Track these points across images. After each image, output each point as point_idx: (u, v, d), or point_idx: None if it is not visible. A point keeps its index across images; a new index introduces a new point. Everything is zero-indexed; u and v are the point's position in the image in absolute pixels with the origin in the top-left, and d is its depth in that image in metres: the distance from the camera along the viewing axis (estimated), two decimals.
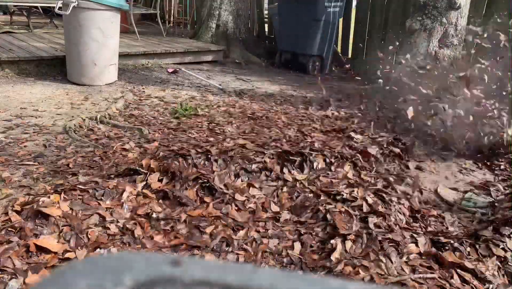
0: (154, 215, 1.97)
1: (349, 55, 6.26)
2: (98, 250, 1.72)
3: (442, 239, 1.84)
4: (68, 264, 0.26)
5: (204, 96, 4.20)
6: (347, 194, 2.14)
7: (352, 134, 3.07)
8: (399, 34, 5.37)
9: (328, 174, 2.39)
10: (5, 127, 2.97)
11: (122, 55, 4.67)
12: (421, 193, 2.41)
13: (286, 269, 1.70)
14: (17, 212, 1.83)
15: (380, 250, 1.73)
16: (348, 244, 1.77)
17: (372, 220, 1.91)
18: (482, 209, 2.26)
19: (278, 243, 1.85)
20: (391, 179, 2.48)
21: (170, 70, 5.10)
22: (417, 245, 1.78)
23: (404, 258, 1.71)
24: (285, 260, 1.76)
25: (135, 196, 2.07)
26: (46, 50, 4.62)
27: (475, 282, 1.61)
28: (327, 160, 2.49)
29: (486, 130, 2.86)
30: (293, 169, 2.39)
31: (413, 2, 4.02)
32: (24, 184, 2.21)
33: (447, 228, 2.06)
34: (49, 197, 1.91)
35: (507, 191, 2.44)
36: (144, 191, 2.12)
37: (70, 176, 2.31)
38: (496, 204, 2.26)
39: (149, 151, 2.63)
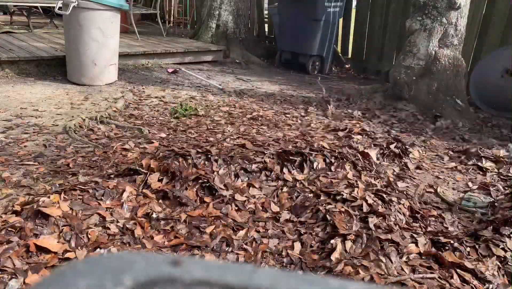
0: (154, 215, 1.97)
1: (349, 55, 6.26)
2: (98, 250, 1.72)
3: (442, 239, 1.84)
4: (68, 264, 0.26)
5: (204, 96, 4.20)
6: (347, 194, 2.14)
7: (352, 134, 3.07)
8: (399, 34, 5.38)
9: (328, 174, 2.39)
10: (5, 127, 2.97)
11: (122, 55, 4.67)
12: (421, 193, 2.41)
13: (286, 269, 1.70)
14: (17, 212, 1.83)
15: (380, 250, 1.73)
16: (348, 244, 1.77)
17: (372, 220, 1.91)
18: (482, 209, 2.26)
19: (278, 243, 1.85)
20: (391, 179, 2.48)
21: (170, 70, 5.10)
22: (417, 245, 1.78)
23: (404, 258, 1.71)
24: (285, 260, 1.76)
25: (135, 196, 2.07)
26: (46, 50, 4.62)
27: (475, 282, 1.61)
28: (327, 160, 2.49)
29: None
30: (293, 169, 2.39)
31: (413, 2, 4.02)
32: (24, 184, 2.21)
33: (447, 228, 2.06)
34: (49, 197, 1.91)
35: (507, 191, 2.44)
36: (144, 191, 2.12)
37: (70, 176, 2.31)
38: (496, 204, 2.26)
39: (149, 151, 2.63)
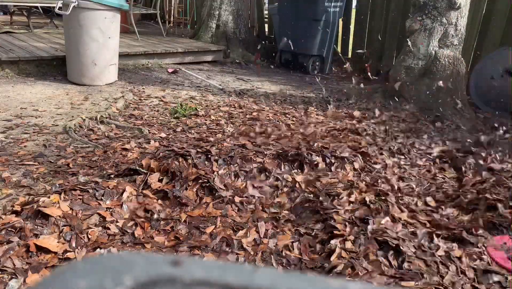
0: (154, 215, 1.97)
1: (349, 55, 6.26)
2: (98, 250, 1.72)
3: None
4: (68, 264, 0.26)
5: (204, 96, 4.20)
6: (346, 194, 2.14)
7: (352, 134, 3.07)
8: (398, 34, 5.38)
9: (328, 174, 2.39)
10: (5, 127, 2.97)
11: (122, 55, 4.67)
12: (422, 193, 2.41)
13: (286, 269, 1.70)
14: (17, 212, 1.83)
15: (379, 250, 1.73)
16: (348, 244, 1.77)
17: (372, 220, 1.91)
18: None
19: (278, 243, 1.85)
20: (391, 179, 2.48)
21: (170, 70, 5.10)
22: (418, 245, 1.78)
23: (404, 258, 1.71)
24: (285, 260, 1.76)
25: (135, 196, 2.07)
26: (46, 50, 4.62)
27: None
28: (327, 160, 2.49)
29: None
30: (292, 169, 2.39)
31: (413, 2, 4.02)
32: (24, 184, 2.21)
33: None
34: (49, 197, 1.91)
35: None
36: (144, 191, 2.12)
37: (70, 176, 2.31)
38: None
39: (149, 151, 2.63)
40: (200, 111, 3.64)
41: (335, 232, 1.85)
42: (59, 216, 1.81)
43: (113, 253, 1.64)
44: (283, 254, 1.79)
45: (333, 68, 6.15)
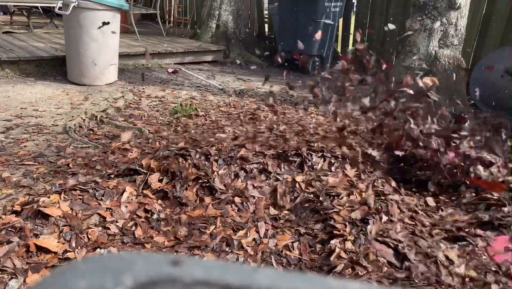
0: (154, 215, 1.97)
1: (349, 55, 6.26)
2: (98, 250, 1.72)
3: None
4: (68, 264, 0.26)
5: (204, 96, 4.20)
6: (346, 194, 2.14)
7: (352, 135, 3.07)
8: (398, 34, 5.38)
9: (328, 174, 2.39)
10: (5, 127, 2.97)
11: (122, 55, 4.67)
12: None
13: (286, 269, 1.70)
14: (17, 212, 1.83)
15: (379, 250, 1.73)
16: (348, 244, 1.77)
17: (372, 220, 1.91)
18: None
19: (277, 243, 1.85)
20: (391, 178, 2.48)
21: (170, 70, 5.10)
22: (417, 245, 1.78)
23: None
24: (285, 260, 1.76)
25: (135, 196, 2.07)
26: (46, 50, 4.62)
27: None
28: (327, 160, 2.49)
29: None
30: (293, 169, 2.39)
31: (413, 2, 4.02)
32: (24, 184, 2.21)
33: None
34: (49, 197, 1.91)
35: None
36: (144, 191, 2.12)
37: (70, 176, 2.31)
38: None
39: (149, 151, 2.63)
40: (200, 111, 3.64)
41: (335, 232, 1.85)
42: (59, 216, 1.81)
43: (113, 253, 1.64)
44: (283, 254, 1.79)
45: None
